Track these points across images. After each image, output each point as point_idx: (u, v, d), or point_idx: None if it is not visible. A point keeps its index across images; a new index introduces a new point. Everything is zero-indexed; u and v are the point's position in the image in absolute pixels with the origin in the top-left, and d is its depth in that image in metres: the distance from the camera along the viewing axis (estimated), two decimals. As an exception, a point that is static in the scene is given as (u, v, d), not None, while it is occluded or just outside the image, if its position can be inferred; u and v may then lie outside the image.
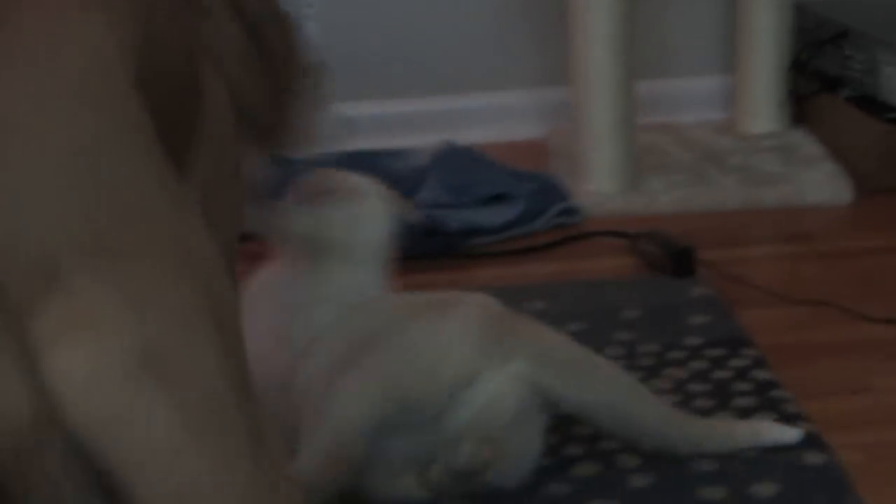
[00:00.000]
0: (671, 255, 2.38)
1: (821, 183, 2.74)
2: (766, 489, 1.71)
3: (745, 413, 1.90)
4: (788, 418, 1.87)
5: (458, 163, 2.77)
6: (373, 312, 1.77)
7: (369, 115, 3.03)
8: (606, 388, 1.66)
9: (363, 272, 1.87)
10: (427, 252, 2.46)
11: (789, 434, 1.79)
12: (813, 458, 1.78)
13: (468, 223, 2.55)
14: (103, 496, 1.00)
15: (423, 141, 2.99)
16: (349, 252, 1.85)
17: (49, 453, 0.96)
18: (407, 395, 1.62)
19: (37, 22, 1.11)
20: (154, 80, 1.22)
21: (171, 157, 1.17)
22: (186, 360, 1.02)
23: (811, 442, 1.81)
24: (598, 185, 2.75)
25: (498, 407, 1.60)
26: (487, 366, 1.61)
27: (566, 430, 1.86)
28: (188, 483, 1.03)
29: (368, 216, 1.88)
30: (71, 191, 1.00)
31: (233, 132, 1.51)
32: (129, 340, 0.97)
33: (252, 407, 1.08)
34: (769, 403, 1.92)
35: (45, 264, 0.96)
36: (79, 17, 1.12)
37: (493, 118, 3.11)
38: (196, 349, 1.03)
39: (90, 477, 0.98)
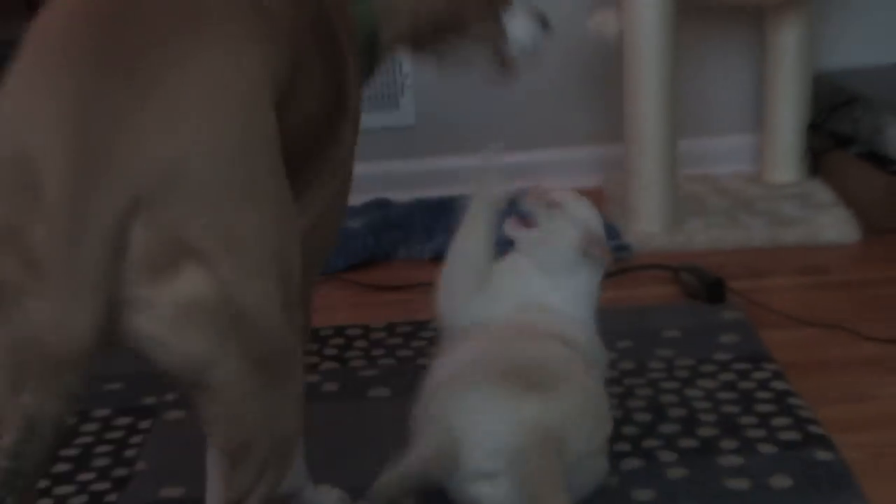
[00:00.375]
0: (706, 284, 2.37)
1: (833, 225, 2.71)
2: (783, 481, 1.70)
3: (765, 418, 1.88)
4: (802, 422, 1.86)
5: (530, 207, 2.77)
6: (482, 351, 1.73)
7: (463, 166, 3.04)
8: None
9: (541, 281, 1.83)
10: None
11: None
12: (823, 455, 1.77)
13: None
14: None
15: (501, 189, 2.99)
16: (538, 256, 1.84)
17: (80, 377, 1.02)
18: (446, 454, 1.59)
19: (212, 48, 1.14)
20: (290, 112, 1.26)
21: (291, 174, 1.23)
22: (261, 325, 1.10)
23: (821, 442, 1.80)
24: (646, 226, 2.74)
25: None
26: (507, 472, 1.55)
27: (615, 429, 1.86)
28: (245, 413, 1.14)
29: (560, 231, 1.83)
30: (212, 180, 1.06)
31: (349, 178, 1.51)
32: (224, 301, 1.06)
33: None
34: (786, 410, 1.91)
35: (174, 230, 1.04)
36: (243, 48, 1.16)
37: (559, 170, 3.10)
38: (269, 321, 1.11)
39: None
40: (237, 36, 1.17)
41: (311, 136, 1.37)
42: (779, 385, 1.99)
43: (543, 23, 1.75)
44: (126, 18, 1.12)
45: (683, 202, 2.86)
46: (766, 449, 1.79)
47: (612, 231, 2.66)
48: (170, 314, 1.05)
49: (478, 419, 1.59)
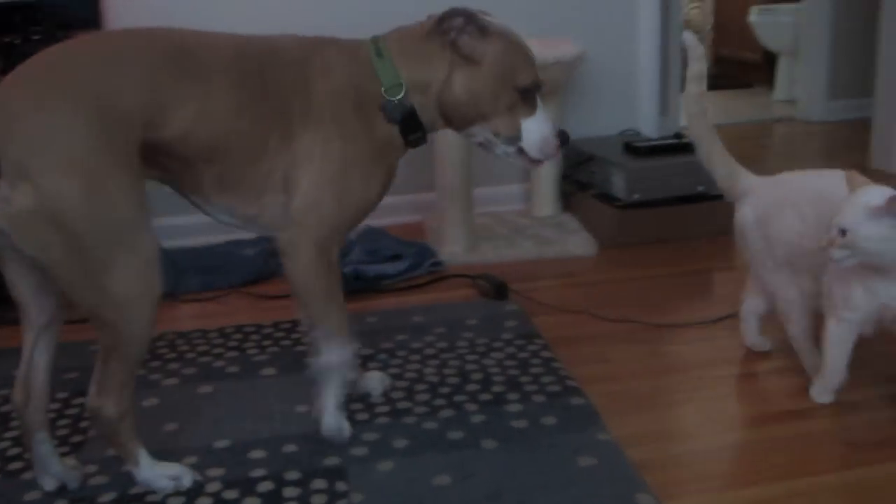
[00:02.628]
0: (494, 287, 2.37)
1: (579, 244, 2.75)
2: (550, 420, 1.71)
3: (537, 377, 1.89)
4: (562, 379, 1.87)
5: (373, 237, 2.75)
6: None
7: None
8: None
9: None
10: (357, 289, 2.43)
11: None
12: (576, 401, 1.78)
13: (379, 272, 2.52)
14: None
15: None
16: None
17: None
18: None
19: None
20: (174, 120, 1.41)
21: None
22: (70, 223, 1.28)
23: (575, 392, 1.81)
24: (453, 247, 2.73)
25: None
26: None
27: (434, 388, 1.84)
28: (83, 289, 1.32)
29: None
30: (39, 143, 1.27)
31: (343, 170, 1.53)
32: (42, 205, 1.26)
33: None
34: (551, 371, 1.91)
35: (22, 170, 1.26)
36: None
37: (393, 210, 3.09)
38: (78, 221, 1.28)
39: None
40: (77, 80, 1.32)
41: (244, 139, 1.46)
42: (545, 353, 2.00)
43: (562, 137, 1.60)
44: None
45: (478, 231, 2.87)
46: (538, 398, 1.80)
47: (429, 251, 2.66)
48: (13, 212, 1.26)
49: None
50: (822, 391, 1.75)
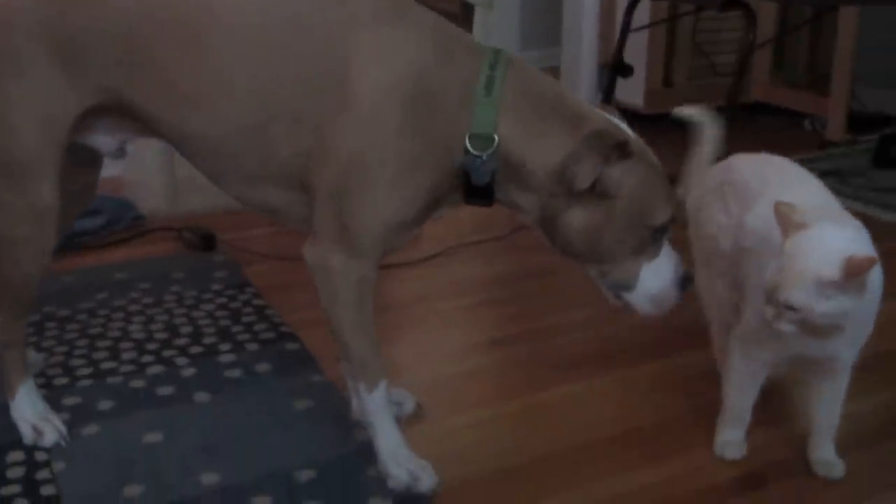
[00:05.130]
0: (200, 238, 2.28)
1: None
2: (265, 367, 1.69)
3: (249, 325, 1.85)
4: (276, 325, 1.84)
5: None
6: None
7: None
8: None
9: None
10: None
11: None
12: (291, 346, 1.77)
13: (75, 229, 2.33)
14: None
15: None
16: None
17: None
18: None
19: None
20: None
21: None
22: None
23: (290, 337, 1.80)
24: (155, 200, 2.57)
25: None
26: None
27: (141, 345, 1.75)
28: None
29: None
30: None
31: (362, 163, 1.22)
32: None
33: None
34: (264, 318, 1.89)
35: None
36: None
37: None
38: None
39: None
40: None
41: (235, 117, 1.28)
42: (258, 302, 1.96)
43: (685, 284, 1.24)
44: None
45: (183, 181, 2.72)
46: (252, 346, 1.77)
47: (129, 205, 2.51)
48: None
49: None
50: (722, 443, 1.40)
